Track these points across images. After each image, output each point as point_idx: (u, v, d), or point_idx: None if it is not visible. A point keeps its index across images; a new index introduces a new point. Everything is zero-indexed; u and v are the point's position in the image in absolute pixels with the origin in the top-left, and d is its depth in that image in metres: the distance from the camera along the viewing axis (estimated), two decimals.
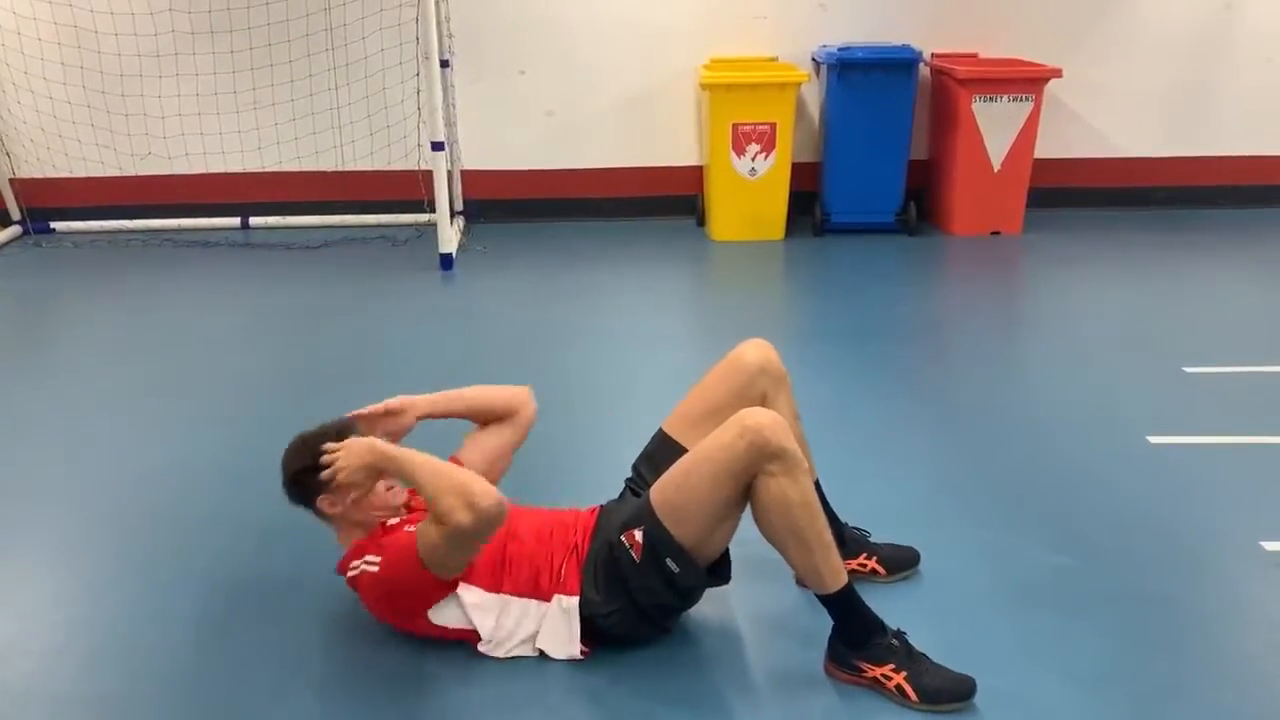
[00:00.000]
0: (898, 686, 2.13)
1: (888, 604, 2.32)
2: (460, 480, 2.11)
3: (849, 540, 2.58)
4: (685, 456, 2.26)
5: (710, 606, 2.44)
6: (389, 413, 2.46)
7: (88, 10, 5.69)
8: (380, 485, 2.32)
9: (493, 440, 2.59)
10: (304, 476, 2.29)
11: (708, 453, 2.17)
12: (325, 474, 2.24)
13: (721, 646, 2.37)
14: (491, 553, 2.28)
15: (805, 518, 2.13)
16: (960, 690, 2.13)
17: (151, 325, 4.64)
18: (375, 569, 2.24)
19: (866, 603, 2.20)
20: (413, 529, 2.25)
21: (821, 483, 2.54)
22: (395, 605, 2.30)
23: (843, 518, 2.60)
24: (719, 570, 2.31)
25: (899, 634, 2.19)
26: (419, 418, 2.50)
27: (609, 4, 5.97)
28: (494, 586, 2.28)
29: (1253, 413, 3.53)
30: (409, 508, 2.41)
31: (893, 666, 2.14)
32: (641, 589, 2.22)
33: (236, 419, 3.61)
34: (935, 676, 2.14)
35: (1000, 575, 2.61)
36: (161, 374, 4.07)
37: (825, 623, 2.22)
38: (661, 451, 2.43)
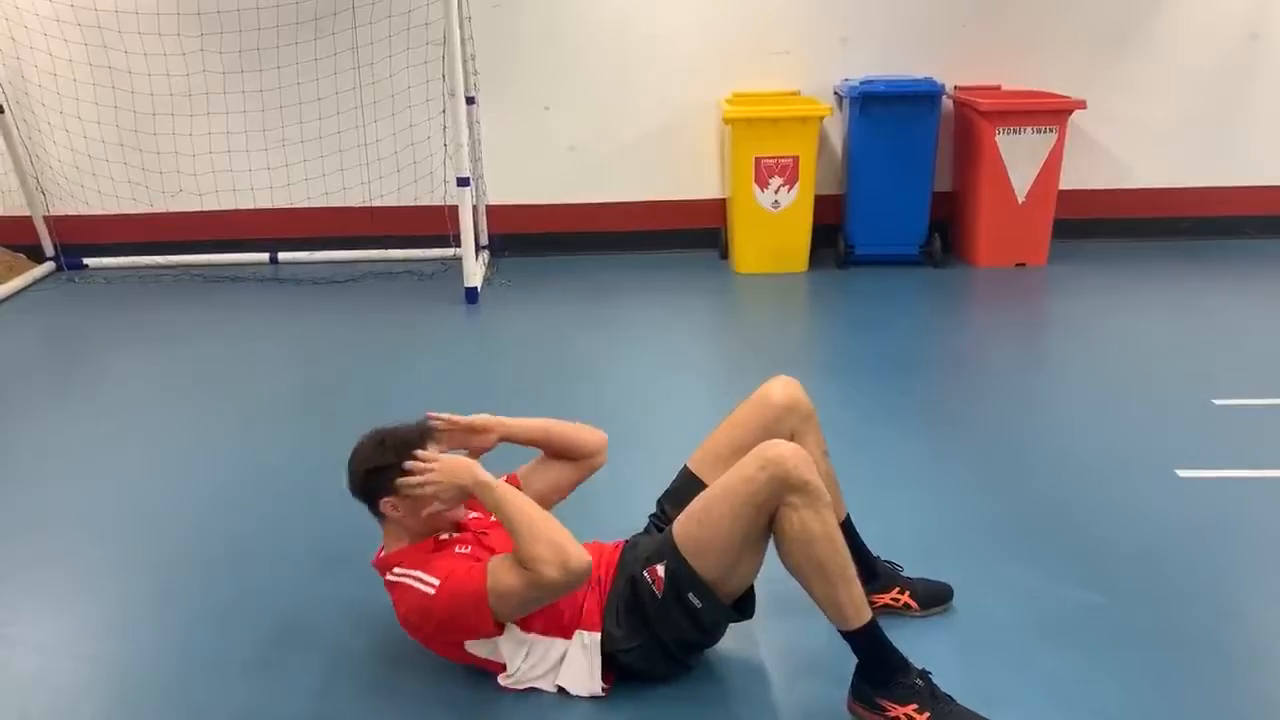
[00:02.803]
0: None
1: (915, 639, 2.31)
2: (555, 535, 2.11)
3: (882, 574, 2.57)
4: (707, 490, 2.25)
5: (735, 642, 2.42)
6: (474, 429, 2.45)
7: (121, 51, 5.82)
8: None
9: (556, 475, 2.58)
10: (379, 474, 2.26)
11: (730, 485, 2.16)
12: (411, 481, 2.20)
13: (746, 683, 2.36)
14: None
15: (827, 551, 2.11)
16: None
17: (181, 360, 4.70)
18: (430, 591, 2.18)
19: (892, 641, 2.18)
20: (465, 549, 2.25)
21: (851, 517, 2.54)
22: (440, 631, 2.26)
23: (873, 552, 2.58)
24: (742, 605, 2.30)
25: (924, 674, 2.16)
26: (501, 439, 2.48)
27: (632, 40, 6.04)
28: (526, 625, 2.27)
29: None
30: (460, 526, 2.39)
31: (916, 707, 2.12)
32: (664, 624, 2.22)
33: (265, 452, 3.64)
34: (959, 719, 2.11)
35: (1028, 611, 2.58)
36: (191, 408, 4.11)
37: (851, 660, 2.20)
38: (686, 488, 2.42)
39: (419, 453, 2.23)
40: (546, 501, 2.51)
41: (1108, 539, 2.91)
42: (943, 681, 2.17)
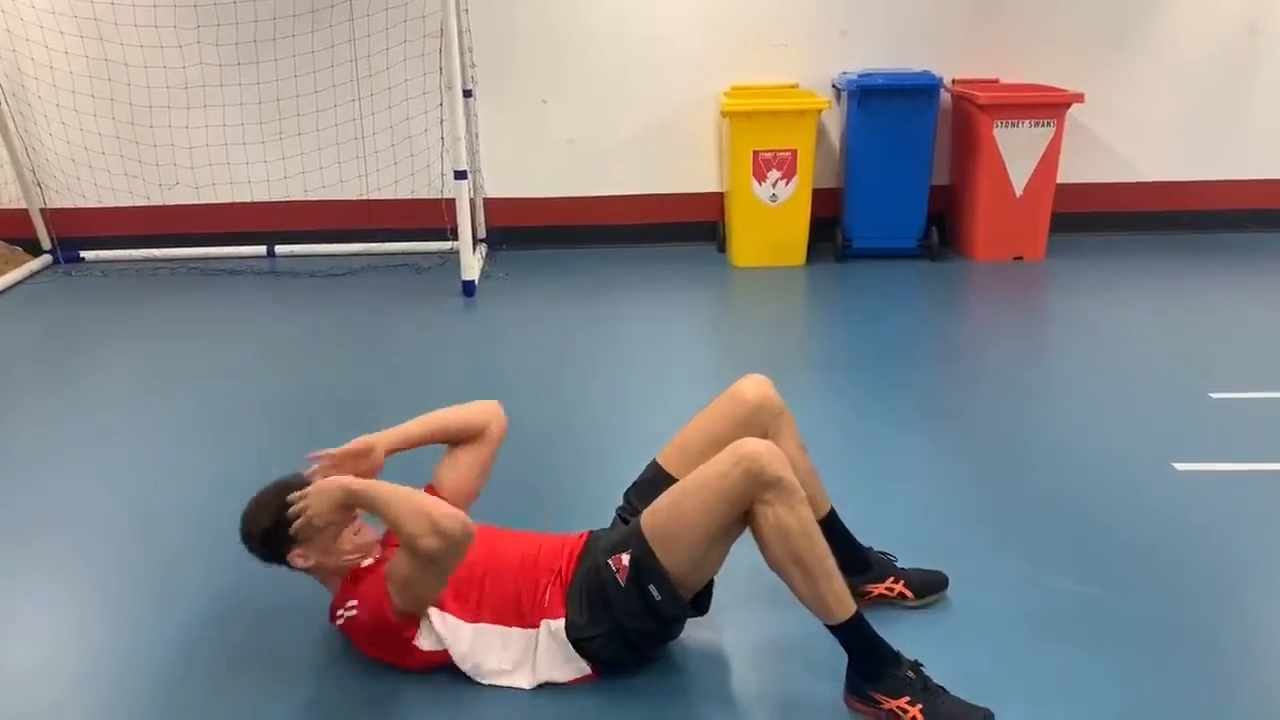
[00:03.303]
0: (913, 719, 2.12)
1: (912, 632, 2.32)
2: (424, 505, 2.14)
3: (875, 564, 2.57)
4: (679, 484, 2.25)
5: (717, 633, 2.44)
6: (355, 455, 2.44)
7: (118, 44, 5.80)
8: (347, 529, 2.32)
9: (465, 460, 2.60)
10: (273, 532, 2.29)
11: (704, 480, 2.17)
12: (297, 523, 2.23)
13: (726, 675, 2.37)
14: (467, 577, 2.30)
15: (804, 545, 2.12)
16: None
17: (179, 353, 4.69)
18: (355, 614, 2.27)
19: (889, 632, 2.18)
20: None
21: (841, 510, 2.53)
22: (381, 643, 2.32)
23: (866, 545, 2.58)
24: (699, 602, 2.31)
25: (915, 665, 2.17)
26: (387, 453, 2.49)
27: (630, 33, 6.03)
28: (471, 614, 2.29)
29: None
30: (385, 544, 2.41)
31: (908, 699, 2.12)
32: (626, 613, 2.23)
33: (263, 446, 3.63)
34: (952, 709, 2.12)
35: (1024, 604, 2.58)
36: (189, 402, 4.11)
37: (837, 653, 2.20)
38: (654, 482, 2.42)
39: (291, 496, 2.25)
40: (470, 491, 2.57)
41: (1105, 532, 2.91)
42: (939, 674, 2.18)
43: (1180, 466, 3.28)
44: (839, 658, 2.21)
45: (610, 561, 2.24)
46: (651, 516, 2.24)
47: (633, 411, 3.86)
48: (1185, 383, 3.98)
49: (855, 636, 2.17)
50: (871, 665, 2.17)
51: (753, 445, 2.14)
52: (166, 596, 2.74)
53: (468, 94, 5.81)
